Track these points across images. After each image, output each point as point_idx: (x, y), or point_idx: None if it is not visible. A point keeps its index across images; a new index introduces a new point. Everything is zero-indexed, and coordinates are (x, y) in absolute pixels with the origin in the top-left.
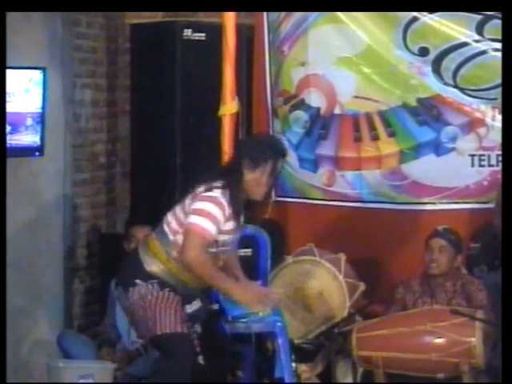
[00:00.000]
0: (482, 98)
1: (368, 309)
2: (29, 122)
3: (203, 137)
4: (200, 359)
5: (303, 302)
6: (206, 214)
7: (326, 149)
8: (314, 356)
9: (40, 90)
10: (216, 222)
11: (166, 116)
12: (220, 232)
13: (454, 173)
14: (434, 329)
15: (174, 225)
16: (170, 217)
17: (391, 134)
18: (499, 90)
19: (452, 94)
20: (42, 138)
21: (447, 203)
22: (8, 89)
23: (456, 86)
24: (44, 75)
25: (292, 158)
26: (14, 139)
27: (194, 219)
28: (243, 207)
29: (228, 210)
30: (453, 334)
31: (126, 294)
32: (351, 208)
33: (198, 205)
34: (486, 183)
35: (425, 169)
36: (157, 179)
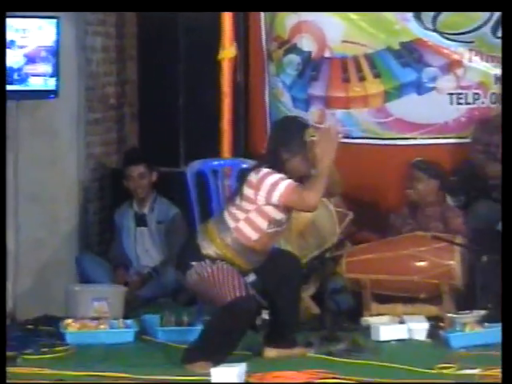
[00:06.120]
0: (460, 42)
1: (356, 235)
2: (43, 53)
3: (205, 80)
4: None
5: (297, 230)
6: (283, 178)
7: (316, 89)
8: (308, 279)
9: (54, 30)
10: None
11: (169, 60)
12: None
13: (435, 110)
14: (417, 253)
15: (237, 212)
16: (230, 207)
17: (377, 75)
18: (475, 33)
19: (432, 37)
20: (57, 82)
21: (428, 138)
22: (22, 26)
23: (435, 31)
24: (58, 24)
25: (286, 97)
26: (29, 69)
27: (282, 185)
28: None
29: None
30: (434, 258)
31: (186, 277)
32: (340, 144)
33: (272, 178)
34: (463, 119)
35: (407, 107)
36: (162, 119)
